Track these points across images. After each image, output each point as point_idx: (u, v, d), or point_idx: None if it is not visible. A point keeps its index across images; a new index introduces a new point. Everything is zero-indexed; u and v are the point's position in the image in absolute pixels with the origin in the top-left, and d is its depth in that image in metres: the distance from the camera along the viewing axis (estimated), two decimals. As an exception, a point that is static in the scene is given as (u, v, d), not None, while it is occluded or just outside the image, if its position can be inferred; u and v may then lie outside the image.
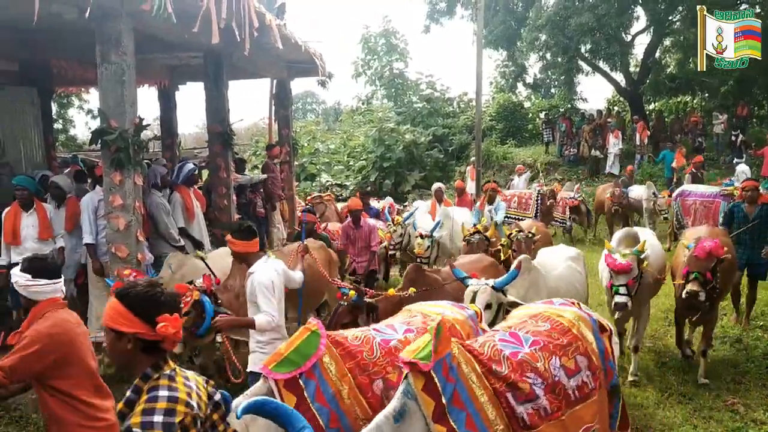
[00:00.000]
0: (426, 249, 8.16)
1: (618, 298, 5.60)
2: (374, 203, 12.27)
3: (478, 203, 9.95)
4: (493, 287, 4.56)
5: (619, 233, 6.41)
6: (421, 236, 8.31)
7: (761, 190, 7.85)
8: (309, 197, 12.70)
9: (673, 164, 15.47)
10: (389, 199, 12.77)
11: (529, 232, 7.36)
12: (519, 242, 7.25)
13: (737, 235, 7.47)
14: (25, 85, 9.68)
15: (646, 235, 6.91)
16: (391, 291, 5.33)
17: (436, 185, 11.32)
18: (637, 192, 13.51)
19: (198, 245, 7.44)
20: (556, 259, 6.41)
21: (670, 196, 12.27)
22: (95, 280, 6.40)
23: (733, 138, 18.34)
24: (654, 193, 12.95)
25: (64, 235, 6.89)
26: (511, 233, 7.46)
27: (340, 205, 12.44)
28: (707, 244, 5.71)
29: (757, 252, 7.39)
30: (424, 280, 5.50)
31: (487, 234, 7.58)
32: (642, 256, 5.79)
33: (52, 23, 5.16)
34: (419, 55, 50.60)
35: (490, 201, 9.74)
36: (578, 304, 3.97)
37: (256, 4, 6.61)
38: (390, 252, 9.10)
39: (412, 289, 5.27)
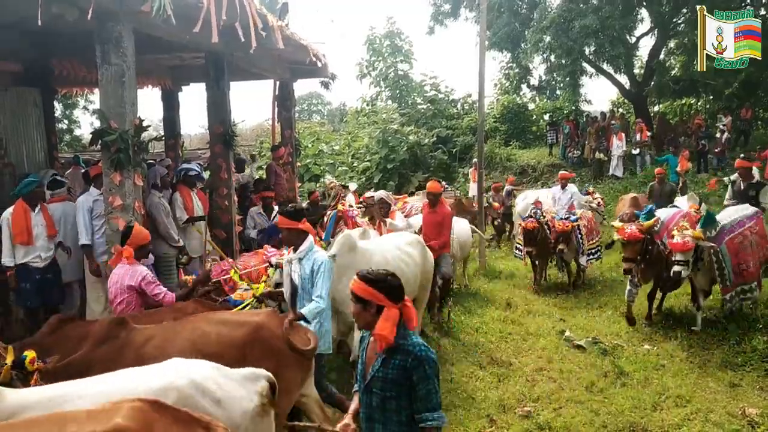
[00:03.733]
0: (277, 284, 5.26)
1: None
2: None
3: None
4: None
5: None
6: (271, 265, 5.78)
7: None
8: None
9: (678, 168, 15.20)
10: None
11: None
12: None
13: None
14: (28, 86, 9.74)
15: None
16: None
17: (378, 194, 8.33)
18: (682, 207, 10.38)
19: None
20: (388, 244, 6.33)
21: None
22: (92, 280, 6.42)
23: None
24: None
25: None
26: None
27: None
28: None
29: None
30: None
31: None
32: None
33: (54, 24, 5.19)
34: (424, 57, 50.79)
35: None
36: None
37: (257, 5, 6.64)
38: None
39: None
